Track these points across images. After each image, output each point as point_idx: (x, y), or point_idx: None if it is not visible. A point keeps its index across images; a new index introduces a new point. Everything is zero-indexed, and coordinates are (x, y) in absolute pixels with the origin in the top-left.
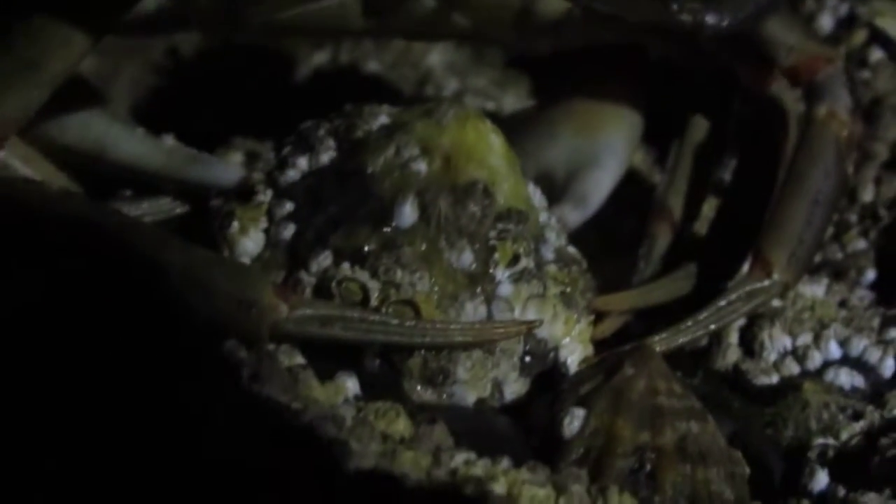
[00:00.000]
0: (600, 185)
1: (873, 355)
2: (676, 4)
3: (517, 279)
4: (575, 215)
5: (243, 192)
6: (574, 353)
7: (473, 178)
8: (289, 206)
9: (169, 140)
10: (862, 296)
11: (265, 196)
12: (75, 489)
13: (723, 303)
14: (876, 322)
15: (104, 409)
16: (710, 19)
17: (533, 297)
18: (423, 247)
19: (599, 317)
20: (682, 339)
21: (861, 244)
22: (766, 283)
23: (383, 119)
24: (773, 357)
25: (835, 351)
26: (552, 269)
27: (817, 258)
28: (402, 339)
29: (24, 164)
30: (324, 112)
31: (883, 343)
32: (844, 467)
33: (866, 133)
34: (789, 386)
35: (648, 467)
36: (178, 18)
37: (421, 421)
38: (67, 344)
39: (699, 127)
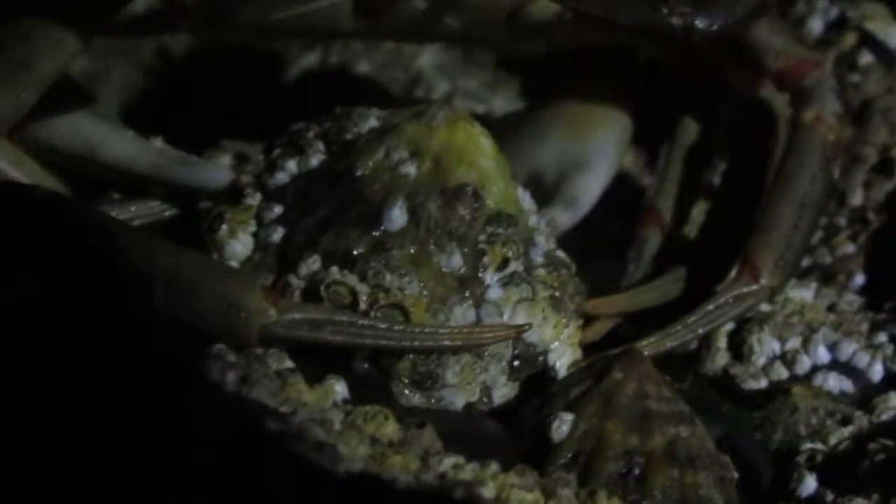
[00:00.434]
0: (590, 187)
1: (862, 360)
2: (666, 8)
3: (506, 283)
4: (565, 218)
5: (232, 195)
6: (563, 357)
7: (463, 180)
8: (278, 209)
9: (158, 142)
10: (851, 300)
11: (254, 199)
12: (63, 492)
13: (711, 307)
14: (865, 326)
15: (91, 413)
16: (700, 23)
17: (522, 300)
18: (413, 250)
19: (589, 320)
20: (670, 343)
21: (850, 248)
22: (754, 287)
23: (373, 122)
24: (761, 361)
25: (823, 355)
26: (541, 272)
27: (806, 262)
28: (391, 342)
29: (12, 165)
30: (313, 114)
31: (872, 347)
32: (833, 472)
33: (855, 136)
34: (778, 390)
35: (637, 471)
36: (168, 19)
37: (410, 425)
38: (55, 347)
39: (689, 130)
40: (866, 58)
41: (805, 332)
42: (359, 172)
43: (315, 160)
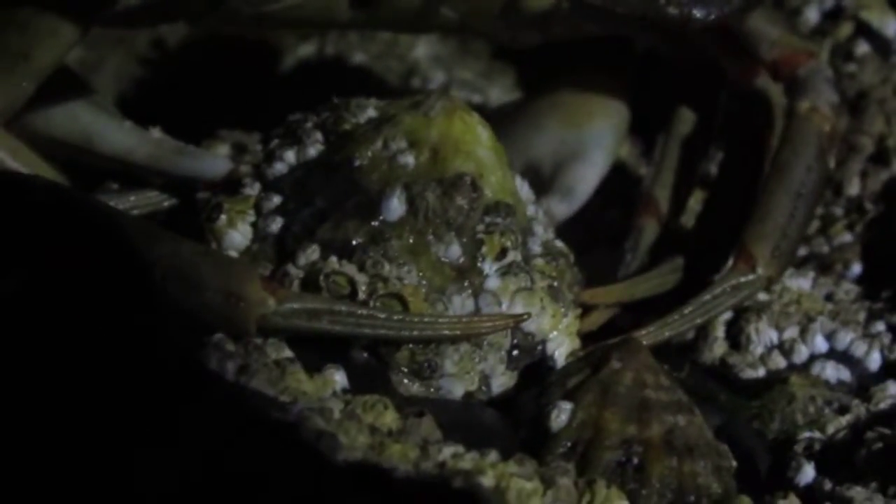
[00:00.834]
0: (587, 177)
1: (859, 349)
2: None
3: (505, 272)
4: (562, 208)
5: (231, 185)
6: (561, 347)
7: (461, 170)
8: (276, 199)
9: (156, 132)
10: (848, 289)
11: (253, 189)
12: (57, 482)
13: (708, 297)
14: (862, 315)
15: (88, 402)
16: (697, 12)
17: (520, 290)
18: (411, 240)
19: (587, 310)
20: (668, 333)
21: (847, 237)
22: (751, 277)
23: (371, 112)
24: (759, 350)
25: (821, 344)
26: (539, 262)
27: (804, 252)
28: (390, 332)
29: (10, 155)
30: (309, 104)
31: (869, 336)
32: (831, 460)
33: (852, 126)
34: (776, 379)
35: (635, 460)
36: (165, 10)
37: (409, 414)
38: (53, 337)
39: (686, 120)
40: (862, 47)
41: (802, 322)
42: (357, 163)
43: (313, 150)
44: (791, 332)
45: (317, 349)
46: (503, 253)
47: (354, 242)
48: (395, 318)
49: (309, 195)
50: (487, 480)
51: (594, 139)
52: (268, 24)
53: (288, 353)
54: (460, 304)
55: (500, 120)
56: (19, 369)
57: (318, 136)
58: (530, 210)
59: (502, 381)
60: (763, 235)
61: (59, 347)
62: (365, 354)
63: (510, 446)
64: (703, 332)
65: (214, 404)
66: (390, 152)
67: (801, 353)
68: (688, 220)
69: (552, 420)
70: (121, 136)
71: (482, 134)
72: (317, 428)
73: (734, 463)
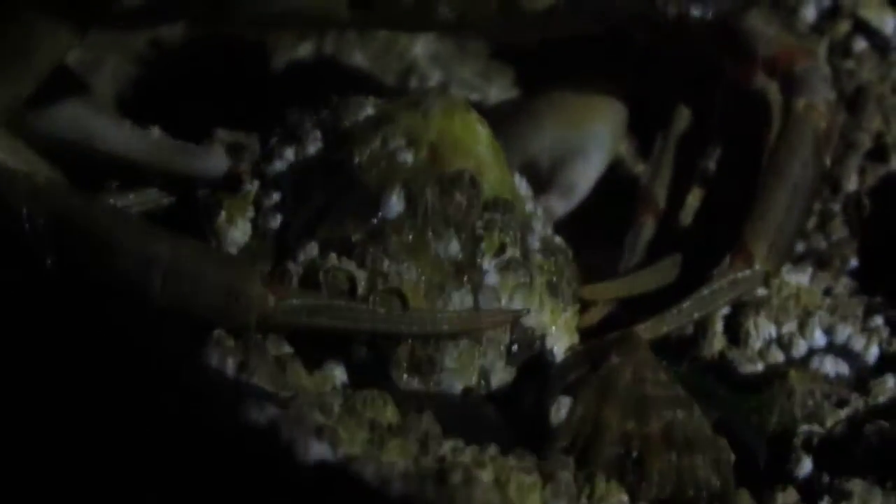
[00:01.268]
0: (585, 174)
1: (858, 343)
2: None
3: (504, 269)
4: (560, 205)
5: (230, 183)
6: (560, 342)
7: (460, 168)
8: (276, 197)
9: (155, 131)
10: (846, 284)
11: (252, 186)
12: (60, 477)
13: (706, 292)
14: (860, 310)
15: (89, 400)
16: (695, 10)
17: (519, 286)
18: (410, 237)
19: (585, 306)
20: (667, 328)
21: (845, 233)
22: (749, 272)
23: (369, 110)
24: (758, 345)
25: (820, 339)
26: (538, 258)
27: (802, 247)
28: (390, 328)
29: (10, 155)
30: (308, 103)
31: (867, 331)
32: (829, 454)
33: (850, 123)
34: (774, 374)
35: (635, 455)
36: (165, 10)
37: (408, 409)
38: (51, 333)
39: (684, 117)
40: (860, 45)
41: (801, 316)
42: (356, 161)
43: (312, 148)
44: (790, 327)
45: (317, 345)
46: (502, 249)
47: (354, 239)
48: (395, 314)
49: (308, 193)
50: (487, 475)
51: (592, 137)
52: (266, 23)
53: (288, 349)
54: (459, 300)
55: (499, 118)
56: (18, 368)
57: (318, 134)
58: (529, 207)
59: (501, 376)
60: (761, 231)
61: (58, 347)
62: (365, 350)
63: (510, 441)
64: (702, 326)
65: (215, 400)
66: (389, 150)
67: (800, 348)
68: (686, 216)
69: (552, 415)
70: (120, 136)
71: (480, 132)
72: (317, 423)
73: (733, 456)
